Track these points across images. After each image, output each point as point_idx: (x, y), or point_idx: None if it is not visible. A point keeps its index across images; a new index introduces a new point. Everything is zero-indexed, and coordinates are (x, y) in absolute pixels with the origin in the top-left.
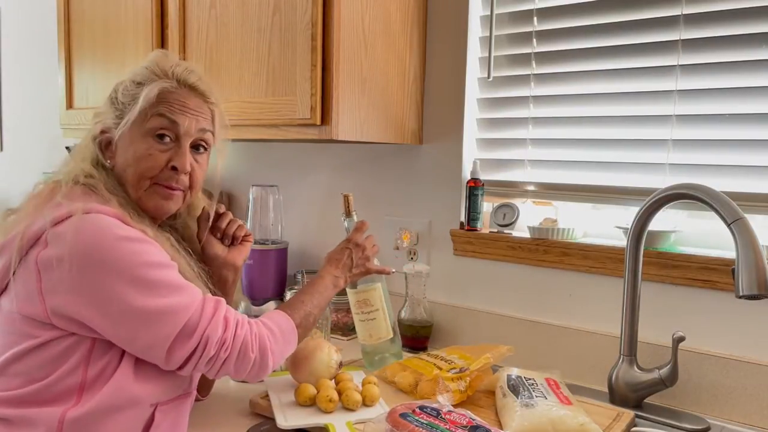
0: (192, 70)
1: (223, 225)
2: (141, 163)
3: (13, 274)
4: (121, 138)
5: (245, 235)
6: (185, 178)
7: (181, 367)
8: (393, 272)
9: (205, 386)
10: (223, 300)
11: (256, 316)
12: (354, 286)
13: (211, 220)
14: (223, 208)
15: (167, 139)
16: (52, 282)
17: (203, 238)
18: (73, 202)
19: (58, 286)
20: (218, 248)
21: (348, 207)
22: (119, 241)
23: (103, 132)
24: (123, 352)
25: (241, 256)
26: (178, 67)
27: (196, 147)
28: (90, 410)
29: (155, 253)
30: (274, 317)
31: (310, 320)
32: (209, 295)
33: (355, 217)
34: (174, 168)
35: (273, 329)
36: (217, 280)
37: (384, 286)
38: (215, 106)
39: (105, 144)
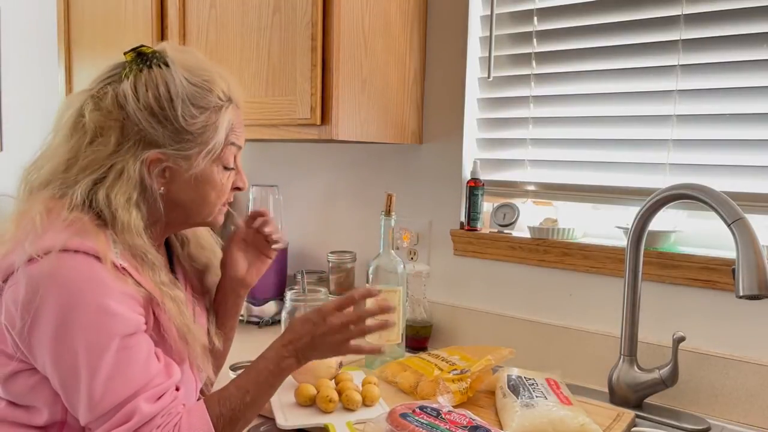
0: (236, 83)
1: (271, 229)
2: (216, 193)
3: None
4: (192, 169)
5: (272, 245)
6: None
7: None
8: (383, 351)
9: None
10: (145, 412)
11: (257, 317)
12: (375, 283)
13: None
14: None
15: (233, 166)
16: (16, 323)
17: (234, 252)
18: (53, 234)
19: (21, 330)
20: (240, 266)
21: (389, 206)
22: (86, 306)
23: (159, 161)
24: None
25: (258, 274)
26: (231, 83)
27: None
28: None
29: (112, 330)
30: (195, 424)
31: (236, 423)
32: (141, 399)
33: (393, 217)
34: (238, 188)
35: None
36: (230, 293)
37: (404, 290)
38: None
39: (160, 172)
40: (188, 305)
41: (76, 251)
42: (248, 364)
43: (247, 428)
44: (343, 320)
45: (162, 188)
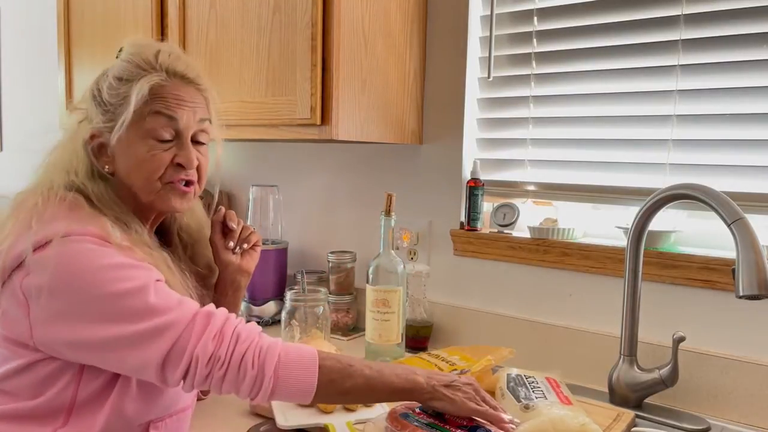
0: (178, 55)
1: (237, 229)
2: (146, 166)
3: None
4: (118, 142)
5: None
6: (194, 172)
7: (183, 386)
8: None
9: None
10: (218, 313)
11: (257, 317)
12: (375, 283)
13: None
14: (231, 214)
15: (168, 137)
16: (37, 311)
17: (217, 241)
18: (54, 222)
19: (42, 316)
20: (231, 254)
21: (389, 206)
22: (101, 271)
23: (93, 137)
24: (117, 374)
25: (253, 261)
26: (162, 54)
27: (196, 139)
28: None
29: (139, 276)
30: (302, 346)
31: (349, 389)
32: (203, 309)
33: (393, 217)
34: (180, 165)
35: (289, 352)
36: (230, 285)
37: (404, 290)
38: (207, 92)
39: (98, 149)
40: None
41: (80, 234)
42: None
43: (247, 428)
44: (484, 395)
45: (107, 167)
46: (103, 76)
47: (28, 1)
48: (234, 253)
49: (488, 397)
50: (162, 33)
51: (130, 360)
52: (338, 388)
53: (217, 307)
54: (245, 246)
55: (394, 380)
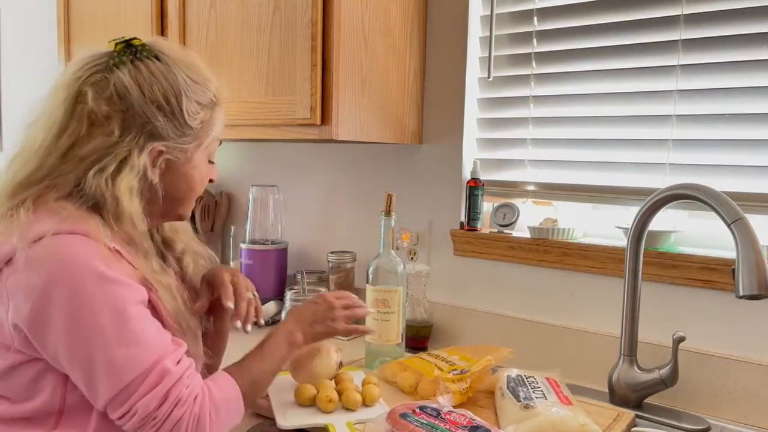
0: (225, 87)
1: (241, 305)
2: (200, 186)
3: None
4: (184, 160)
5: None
6: None
7: (118, 421)
8: (372, 332)
9: None
10: (173, 371)
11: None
12: (375, 283)
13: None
14: (227, 292)
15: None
16: (16, 308)
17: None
18: (46, 221)
19: (21, 313)
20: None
21: (389, 206)
22: (89, 278)
23: (162, 152)
24: None
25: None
26: (222, 89)
27: None
28: None
29: (124, 295)
30: (223, 387)
31: (257, 389)
32: (166, 358)
33: (393, 217)
34: (211, 181)
35: (219, 406)
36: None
37: (404, 290)
38: None
39: (160, 163)
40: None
41: (68, 233)
42: None
43: (247, 428)
44: (341, 302)
45: (156, 179)
46: (166, 89)
47: (28, 0)
48: (246, 332)
49: (346, 297)
50: (162, 33)
51: (83, 383)
52: (255, 397)
53: (209, 341)
54: (249, 328)
55: (284, 354)
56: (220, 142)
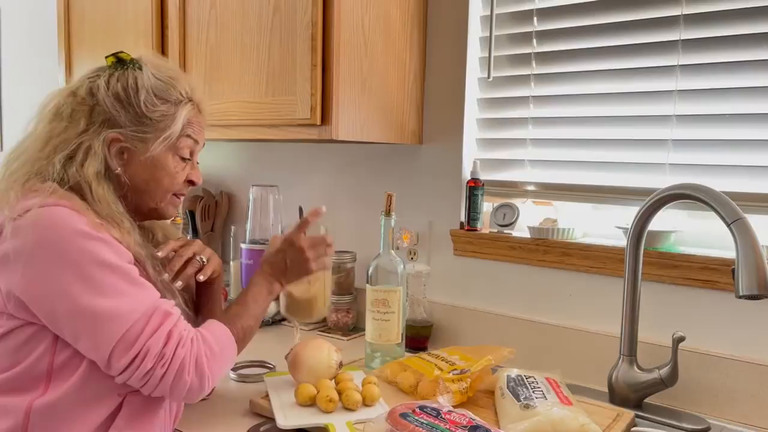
0: (199, 89)
1: (175, 267)
2: (167, 180)
3: None
4: (144, 152)
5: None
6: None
7: (119, 375)
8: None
9: None
10: (174, 313)
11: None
12: (375, 283)
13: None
14: (168, 245)
15: (188, 157)
16: (7, 274)
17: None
18: (35, 196)
19: (12, 278)
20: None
21: (389, 206)
22: (75, 236)
23: (118, 140)
24: None
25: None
26: (196, 91)
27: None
28: (57, 398)
29: (111, 252)
30: (216, 331)
31: (247, 333)
32: (163, 304)
33: (393, 217)
34: (191, 182)
35: (213, 347)
36: (201, 298)
37: (404, 290)
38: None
39: (117, 152)
40: None
41: (54, 205)
42: (248, 363)
43: (247, 428)
44: (307, 242)
45: (119, 168)
46: (130, 83)
47: (28, 1)
48: (176, 287)
49: (311, 238)
50: (162, 33)
51: (85, 338)
52: (244, 342)
53: (199, 311)
54: (179, 283)
55: (266, 302)
56: (197, 143)
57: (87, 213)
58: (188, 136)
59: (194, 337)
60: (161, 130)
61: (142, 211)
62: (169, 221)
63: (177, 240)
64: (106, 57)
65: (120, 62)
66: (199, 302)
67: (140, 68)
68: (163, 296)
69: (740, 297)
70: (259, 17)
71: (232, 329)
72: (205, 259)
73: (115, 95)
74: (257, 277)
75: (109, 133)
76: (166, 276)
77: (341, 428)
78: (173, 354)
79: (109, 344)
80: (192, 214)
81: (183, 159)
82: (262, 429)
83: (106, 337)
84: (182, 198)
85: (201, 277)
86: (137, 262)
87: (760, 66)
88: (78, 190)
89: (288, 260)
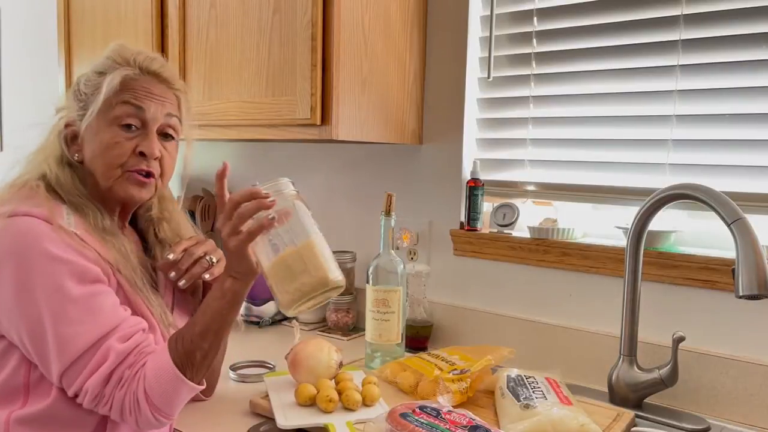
0: (154, 57)
1: (178, 258)
2: (108, 152)
3: None
4: (87, 130)
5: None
6: (156, 164)
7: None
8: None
9: (208, 387)
10: (118, 350)
11: (257, 317)
12: (375, 283)
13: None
14: (182, 246)
15: (133, 127)
16: None
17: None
18: (4, 206)
19: None
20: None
21: (389, 206)
22: (39, 257)
23: (67, 126)
24: None
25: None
26: (139, 55)
27: (164, 135)
28: (37, 412)
29: (72, 275)
30: (157, 363)
31: (197, 357)
32: (113, 336)
33: (393, 217)
34: (142, 153)
35: (152, 385)
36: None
37: (404, 290)
38: (181, 93)
39: (71, 138)
40: (166, 305)
41: (24, 215)
42: (248, 363)
43: (247, 428)
44: (229, 209)
45: (76, 155)
46: (84, 72)
47: (28, 1)
48: (181, 286)
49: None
50: (162, 33)
51: (38, 359)
52: (203, 370)
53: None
54: (183, 282)
55: (217, 306)
56: (140, 108)
57: (58, 217)
58: (126, 102)
59: (139, 371)
60: (95, 102)
61: (103, 195)
62: (179, 213)
63: (189, 239)
64: None
65: None
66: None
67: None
68: (138, 289)
69: (740, 297)
70: (259, 17)
71: (173, 348)
72: (214, 260)
73: (71, 88)
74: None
75: (60, 120)
76: (179, 282)
77: (341, 428)
78: (112, 396)
79: (56, 374)
80: (192, 214)
81: (127, 129)
82: (262, 429)
83: (54, 366)
84: (147, 175)
85: (207, 276)
86: (115, 270)
87: (760, 66)
88: (51, 184)
89: (222, 246)
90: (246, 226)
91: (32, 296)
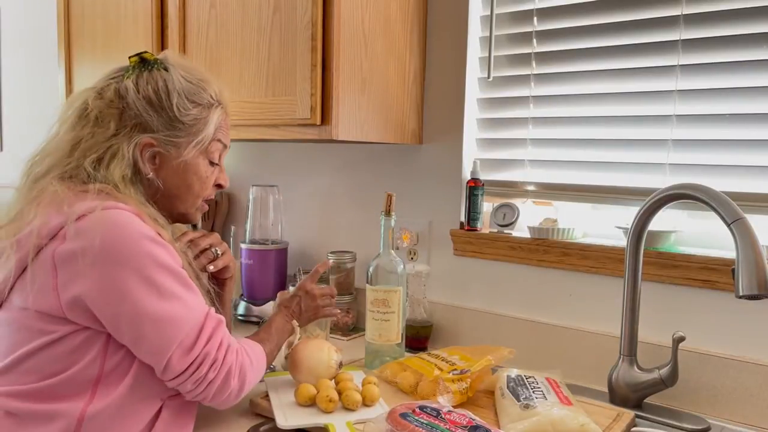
0: (227, 92)
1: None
2: (200, 185)
3: (23, 270)
4: (180, 157)
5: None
6: None
7: (173, 379)
8: (340, 315)
9: None
10: (223, 320)
11: (257, 317)
12: (375, 283)
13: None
14: (188, 237)
15: (218, 161)
16: (68, 275)
17: None
18: (89, 202)
19: (75, 279)
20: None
21: (389, 206)
22: (141, 239)
23: (151, 145)
24: None
25: (224, 273)
26: (223, 93)
27: None
28: (106, 405)
29: (171, 257)
30: (253, 348)
31: (269, 358)
32: (212, 310)
33: (393, 217)
34: (219, 186)
35: (252, 360)
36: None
37: (404, 290)
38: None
39: (150, 156)
40: None
41: (116, 208)
42: None
43: (247, 428)
44: (320, 291)
45: (151, 173)
46: (160, 86)
47: (28, 1)
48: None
49: (324, 291)
50: (162, 33)
51: (146, 341)
52: (269, 364)
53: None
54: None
55: (285, 337)
56: (226, 147)
57: (144, 215)
58: (218, 140)
59: (237, 347)
60: (194, 135)
61: (172, 215)
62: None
63: (194, 231)
64: (130, 57)
65: (144, 63)
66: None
67: (166, 69)
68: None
69: (740, 297)
70: (259, 17)
71: (264, 349)
72: (219, 252)
73: (146, 98)
74: (278, 316)
75: (142, 137)
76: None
77: (341, 428)
78: (224, 360)
79: (169, 348)
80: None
81: (212, 163)
82: (262, 429)
83: (166, 341)
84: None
85: (211, 267)
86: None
87: (760, 66)
88: (122, 191)
89: (302, 305)
90: (331, 311)
91: (142, 275)
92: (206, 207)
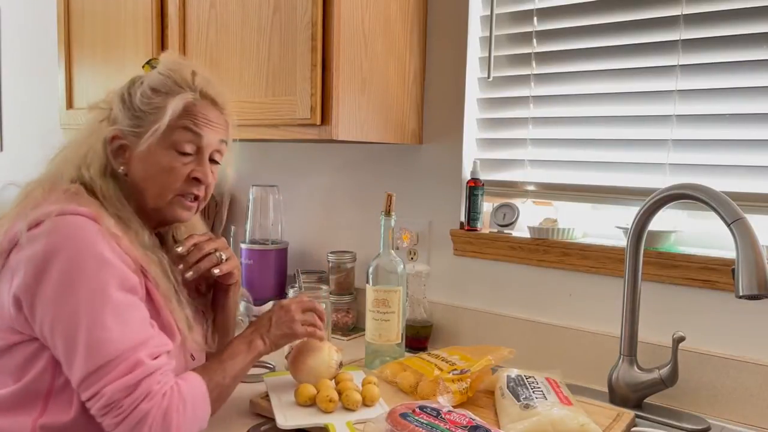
0: (209, 80)
1: (191, 260)
2: (164, 176)
3: None
4: (141, 147)
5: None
6: (203, 188)
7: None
8: (324, 340)
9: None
10: (147, 365)
11: (257, 316)
12: (375, 283)
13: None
14: (188, 240)
15: (189, 151)
16: (15, 282)
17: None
18: (50, 206)
19: (21, 288)
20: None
21: (389, 206)
22: (87, 257)
23: (116, 138)
24: None
25: (230, 277)
26: (198, 77)
27: (212, 159)
28: (60, 419)
29: (115, 280)
30: (194, 384)
31: (222, 392)
32: (142, 351)
33: (393, 217)
34: (196, 179)
35: (186, 401)
36: (216, 303)
37: (404, 290)
38: (229, 117)
39: (117, 150)
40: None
41: (73, 213)
42: None
43: (247, 428)
44: (297, 306)
45: (122, 167)
46: (136, 83)
47: (28, 1)
48: (187, 278)
49: (304, 302)
50: (162, 33)
51: (63, 356)
52: (218, 401)
53: (214, 320)
54: (190, 274)
55: (244, 359)
56: (198, 135)
57: (105, 219)
58: (186, 128)
59: (168, 391)
60: (152, 123)
61: (148, 213)
62: (195, 216)
63: (200, 234)
64: (143, 66)
65: (152, 68)
66: (214, 309)
67: (155, 67)
68: (176, 302)
69: (740, 297)
70: (259, 17)
71: (207, 383)
72: (224, 257)
73: (118, 96)
74: (239, 336)
75: (108, 130)
76: (185, 274)
77: (341, 428)
78: (134, 408)
79: (78, 376)
80: None
81: (183, 154)
82: (262, 429)
83: (77, 367)
84: (194, 199)
85: (216, 271)
86: (145, 277)
87: (760, 66)
88: (92, 191)
89: (274, 317)
90: (308, 330)
91: (75, 294)
92: (191, 205)
